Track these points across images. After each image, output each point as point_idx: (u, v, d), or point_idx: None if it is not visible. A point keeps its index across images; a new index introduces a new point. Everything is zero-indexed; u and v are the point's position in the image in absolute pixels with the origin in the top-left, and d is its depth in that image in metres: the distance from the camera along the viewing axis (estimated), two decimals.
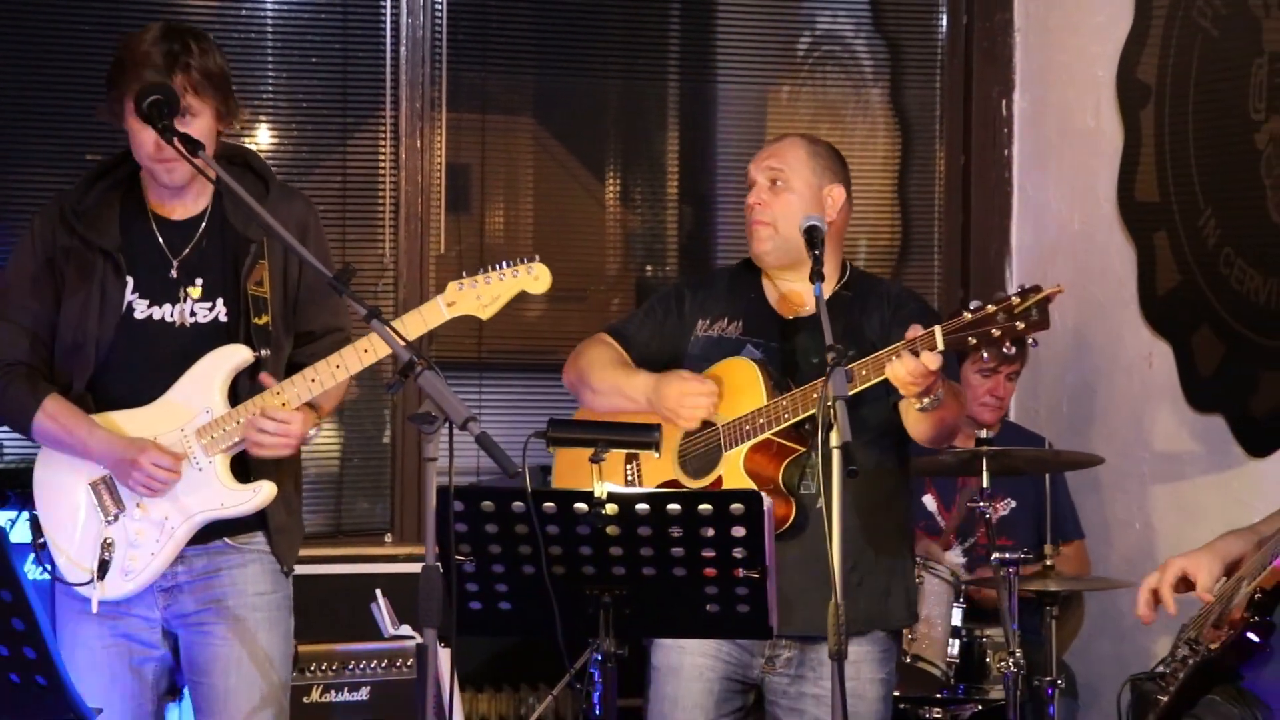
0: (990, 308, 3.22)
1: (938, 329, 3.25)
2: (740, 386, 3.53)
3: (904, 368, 3.25)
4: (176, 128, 3.26)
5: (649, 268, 5.59)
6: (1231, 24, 4.54)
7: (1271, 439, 4.39)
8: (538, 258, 3.36)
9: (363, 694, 4.32)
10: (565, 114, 5.49)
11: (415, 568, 3.04)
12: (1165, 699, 3.29)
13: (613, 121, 5.58)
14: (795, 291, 3.66)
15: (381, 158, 5.19)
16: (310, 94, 5.18)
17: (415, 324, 3.33)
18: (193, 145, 3.27)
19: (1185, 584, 3.23)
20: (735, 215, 5.50)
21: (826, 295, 3.46)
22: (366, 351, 3.34)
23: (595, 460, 3.09)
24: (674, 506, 3.00)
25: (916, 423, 3.47)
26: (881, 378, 3.31)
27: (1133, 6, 4.93)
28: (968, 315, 3.24)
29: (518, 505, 3.01)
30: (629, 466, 3.63)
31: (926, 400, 3.33)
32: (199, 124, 3.36)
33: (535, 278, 3.35)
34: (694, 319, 3.71)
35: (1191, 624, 3.25)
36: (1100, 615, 5.00)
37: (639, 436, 3.29)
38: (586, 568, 3.05)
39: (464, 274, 3.35)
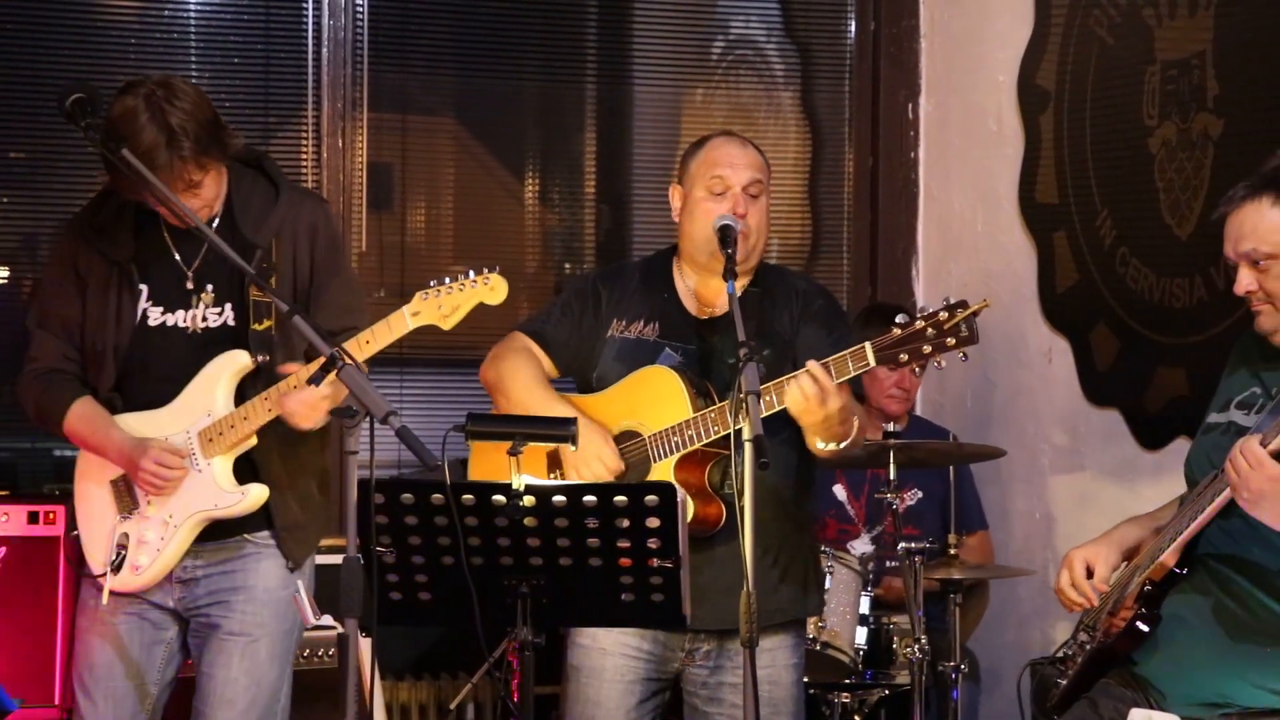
0: (919, 323, 3.20)
1: (868, 345, 3.23)
2: (663, 396, 3.50)
3: (797, 398, 3.24)
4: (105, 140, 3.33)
5: (568, 265, 5.59)
6: (1126, 33, 4.60)
7: (1164, 432, 4.45)
8: (497, 268, 3.37)
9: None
10: (485, 115, 5.47)
11: (336, 559, 3.03)
12: (1064, 682, 3.34)
13: (532, 122, 5.58)
14: (715, 291, 3.63)
15: (303, 157, 5.16)
16: (233, 94, 5.14)
17: (383, 334, 3.39)
18: (117, 143, 3.30)
19: (1086, 573, 3.27)
20: (651, 213, 5.52)
21: (739, 291, 3.46)
22: (369, 343, 3.39)
23: (513, 454, 3.08)
24: (590, 498, 3.00)
25: (818, 453, 3.47)
26: (784, 405, 3.30)
27: (1032, 15, 4.97)
28: (897, 330, 3.21)
29: (437, 497, 3.00)
30: (553, 475, 3.60)
31: (833, 445, 3.35)
32: (210, 178, 3.44)
33: (491, 289, 3.36)
34: (609, 317, 3.67)
35: (1091, 611, 3.29)
36: (1001, 603, 5.05)
37: (557, 430, 3.28)
38: (505, 558, 3.04)
39: (431, 283, 3.36)
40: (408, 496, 3.02)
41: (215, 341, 3.51)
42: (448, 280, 3.37)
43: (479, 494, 3.00)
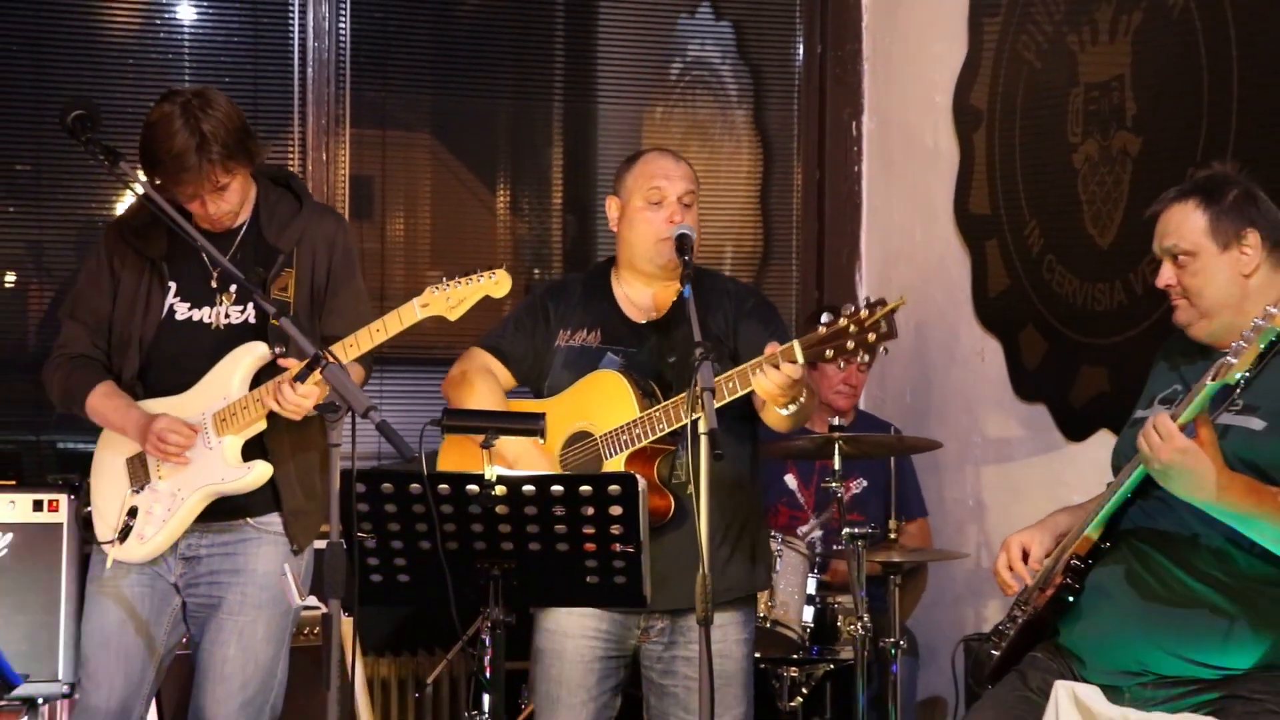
0: (842, 321, 3.19)
1: (797, 343, 3.22)
2: (611, 398, 3.51)
3: (770, 381, 3.23)
4: (102, 145, 3.36)
5: (537, 271, 5.59)
6: (1052, 57, 4.62)
7: (1088, 425, 4.47)
8: (504, 266, 3.36)
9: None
10: (460, 130, 5.47)
11: (321, 544, 3.03)
12: (997, 653, 3.35)
13: (503, 138, 5.58)
14: (653, 296, 3.65)
15: (290, 169, 5.14)
16: None
17: (394, 323, 3.38)
18: (114, 157, 3.32)
19: (1023, 555, 3.29)
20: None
21: (676, 296, 3.48)
22: (379, 331, 3.39)
23: (486, 446, 3.09)
24: (557, 488, 3.00)
25: (779, 421, 3.46)
26: (749, 390, 3.28)
27: (966, 40, 4.99)
28: (822, 329, 3.20)
29: (415, 487, 3.00)
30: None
31: (793, 407, 3.35)
32: (236, 183, 3.47)
33: (496, 283, 3.35)
34: (557, 329, 3.68)
35: (1025, 590, 3.31)
36: (938, 584, 5.08)
37: (526, 425, 3.29)
38: (478, 543, 3.05)
39: (443, 278, 3.36)
40: (387, 486, 3.02)
41: (236, 337, 3.52)
42: (455, 277, 3.36)
43: (454, 484, 3.01)
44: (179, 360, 3.54)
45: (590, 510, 3.01)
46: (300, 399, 3.37)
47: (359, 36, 5.21)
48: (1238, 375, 2.81)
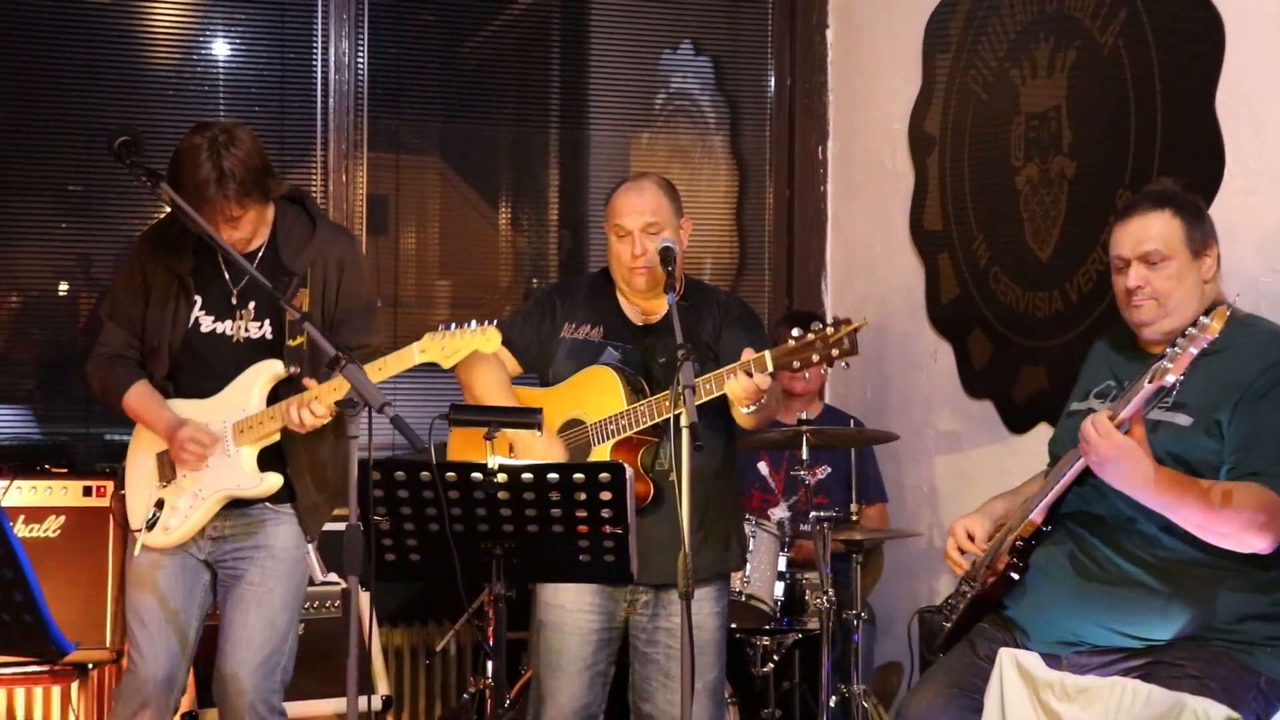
0: (810, 336, 3.24)
1: (768, 354, 3.26)
2: (603, 391, 3.53)
3: (739, 386, 3.26)
4: (156, 176, 3.36)
5: (534, 280, 5.59)
6: (997, 89, 4.64)
7: (1029, 419, 4.48)
8: (494, 321, 3.33)
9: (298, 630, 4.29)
10: (466, 154, 5.47)
11: (340, 526, 3.03)
12: (949, 625, 3.36)
13: (505, 161, 5.58)
14: (647, 303, 3.68)
15: (313, 190, 5.14)
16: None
17: (394, 363, 3.37)
18: (155, 178, 3.32)
19: (967, 539, 3.30)
20: (605, 238, 5.51)
21: (666, 304, 3.47)
22: (381, 369, 3.35)
23: (489, 438, 3.09)
24: (553, 476, 3.01)
25: (741, 418, 3.49)
26: (722, 392, 3.31)
27: (920, 74, 5.00)
28: (792, 342, 3.25)
29: (425, 475, 3.00)
30: (513, 453, 3.61)
31: (753, 407, 3.36)
32: (248, 217, 3.44)
33: (487, 339, 3.31)
34: (562, 322, 3.70)
35: (972, 568, 3.32)
36: (895, 561, 5.08)
37: (525, 419, 3.29)
38: (482, 525, 3.06)
39: (439, 326, 3.33)
40: (400, 474, 3.03)
41: (255, 350, 3.52)
42: (453, 326, 3.33)
43: (460, 472, 3.01)
44: (205, 365, 3.54)
45: (583, 496, 3.02)
46: (314, 419, 3.39)
47: (375, 70, 5.21)
48: (1172, 379, 2.82)
